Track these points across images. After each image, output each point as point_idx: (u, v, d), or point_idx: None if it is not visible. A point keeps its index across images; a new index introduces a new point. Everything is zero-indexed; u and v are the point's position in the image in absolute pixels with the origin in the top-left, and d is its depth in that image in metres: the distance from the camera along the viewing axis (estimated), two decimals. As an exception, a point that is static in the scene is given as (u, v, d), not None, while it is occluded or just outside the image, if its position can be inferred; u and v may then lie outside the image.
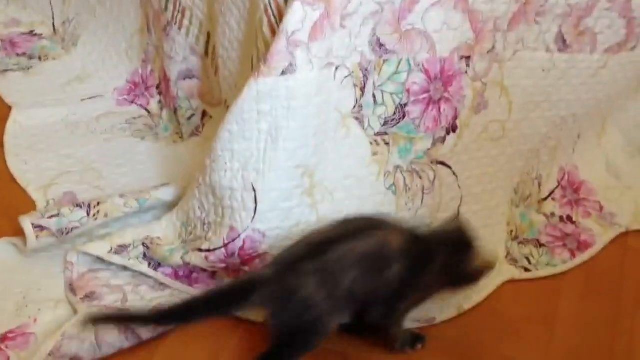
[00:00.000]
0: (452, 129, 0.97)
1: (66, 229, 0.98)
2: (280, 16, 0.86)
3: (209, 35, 1.11)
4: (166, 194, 1.05)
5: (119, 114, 1.28)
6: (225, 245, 0.89)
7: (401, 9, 0.88)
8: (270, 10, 0.87)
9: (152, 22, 1.25)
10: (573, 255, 1.07)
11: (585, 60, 1.02)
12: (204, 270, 0.95)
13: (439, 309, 0.95)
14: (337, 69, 0.87)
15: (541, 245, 1.08)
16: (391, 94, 0.92)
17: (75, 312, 0.92)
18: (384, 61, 0.90)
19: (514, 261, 1.05)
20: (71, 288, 0.95)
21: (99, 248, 0.97)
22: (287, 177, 0.88)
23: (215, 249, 0.90)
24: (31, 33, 1.46)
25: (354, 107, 0.91)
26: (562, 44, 1.00)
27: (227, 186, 0.88)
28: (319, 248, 0.81)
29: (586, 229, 1.11)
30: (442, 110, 0.95)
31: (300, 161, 0.88)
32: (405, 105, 0.93)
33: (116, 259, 0.96)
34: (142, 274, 0.97)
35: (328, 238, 0.83)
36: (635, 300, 1.01)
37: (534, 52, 0.99)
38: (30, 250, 0.98)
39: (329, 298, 0.80)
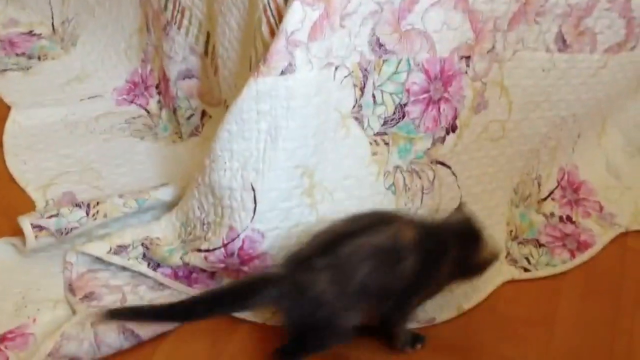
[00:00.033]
0: (452, 129, 0.97)
1: (65, 229, 0.98)
2: (279, 16, 0.86)
3: (208, 35, 1.11)
4: (165, 194, 1.05)
5: (118, 113, 1.28)
6: (225, 245, 0.89)
7: (401, 9, 0.88)
8: (269, 10, 0.87)
9: (152, 21, 1.25)
10: (573, 255, 1.07)
11: (585, 60, 1.02)
12: (203, 270, 0.95)
13: (439, 309, 0.95)
14: (336, 68, 0.87)
15: (541, 245, 1.08)
16: (391, 93, 0.92)
17: (74, 312, 0.92)
18: (384, 61, 0.90)
19: (513, 261, 1.05)
20: (70, 288, 0.95)
21: (98, 248, 0.97)
22: (287, 177, 0.87)
23: (214, 249, 0.90)
24: (30, 33, 1.46)
25: (354, 107, 0.91)
26: (562, 43, 1.00)
27: (226, 186, 0.88)
28: (330, 244, 0.82)
29: (586, 229, 1.11)
30: (441, 110, 0.95)
31: (300, 161, 0.88)
32: (405, 105, 0.93)
33: (115, 259, 0.96)
34: (141, 274, 0.97)
35: (338, 234, 0.83)
36: (634, 301, 1.01)
37: (533, 52, 0.99)
38: (29, 250, 0.98)
39: (342, 294, 0.80)
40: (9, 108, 1.27)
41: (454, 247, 0.85)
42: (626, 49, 1.03)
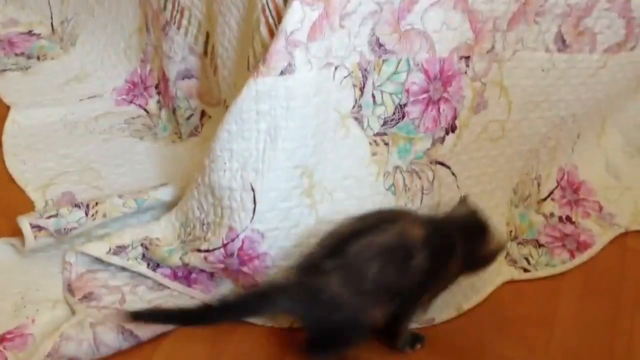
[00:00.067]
0: (452, 129, 0.97)
1: (64, 229, 0.98)
2: (278, 16, 0.86)
3: (207, 35, 1.11)
4: (165, 194, 1.04)
5: (117, 113, 1.28)
6: (224, 246, 0.89)
7: (400, 9, 0.88)
8: (267, 10, 0.87)
9: (151, 21, 1.25)
10: (572, 255, 1.07)
11: (584, 60, 1.02)
12: (202, 270, 0.95)
13: (439, 309, 0.94)
14: (336, 69, 0.87)
15: (540, 245, 1.08)
16: (390, 94, 0.92)
17: (73, 312, 0.92)
18: (383, 61, 0.90)
19: (513, 262, 1.05)
20: (69, 288, 0.95)
21: (98, 248, 0.96)
22: (286, 177, 0.87)
23: (214, 249, 0.89)
24: (29, 33, 1.46)
25: (353, 107, 0.90)
26: (562, 43, 1.00)
27: (226, 186, 0.88)
28: (337, 246, 0.82)
29: (585, 229, 1.11)
30: (441, 110, 0.95)
31: (299, 161, 0.88)
32: (405, 105, 0.93)
33: (115, 260, 0.96)
34: (140, 274, 0.97)
35: (345, 235, 0.83)
36: (634, 301, 1.01)
37: (533, 52, 0.99)
38: (28, 251, 0.98)
39: (356, 294, 0.80)
40: (8, 108, 1.27)
41: (461, 241, 0.85)
42: (626, 49, 1.03)
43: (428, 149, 0.97)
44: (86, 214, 1.00)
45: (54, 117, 1.26)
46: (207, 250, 0.90)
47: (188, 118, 1.20)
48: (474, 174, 1.01)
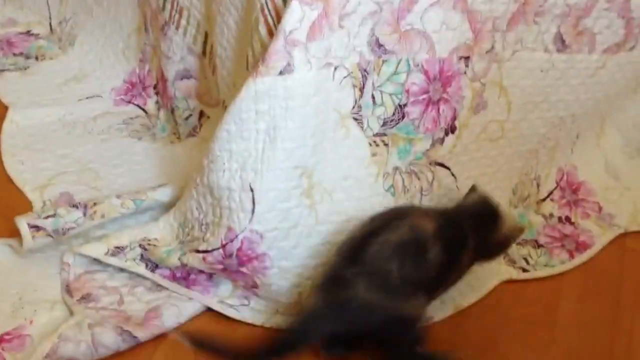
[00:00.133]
0: (451, 129, 0.97)
1: (62, 229, 0.98)
2: (277, 16, 0.86)
3: (206, 35, 1.11)
4: (163, 194, 1.04)
5: (116, 114, 1.28)
6: (223, 246, 0.88)
7: (400, 9, 0.88)
8: (266, 10, 0.87)
9: (150, 21, 1.25)
10: (571, 256, 1.07)
11: (583, 60, 1.02)
12: (201, 271, 0.95)
13: (437, 308, 0.94)
14: (335, 69, 0.87)
15: (539, 245, 1.08)
16: (390, 94, 0.92)
17: (71, 313, 0.92)
18: (383, 61, 0.90)
19: (512, 262, 1.05)
20: (67, 289, 0.94)
21: (96, 249, 0.96)
22: (285, 178, 0.87)
23: (212, 250, 0.89)
24: (28, 33, 1.46)
25: (353, 107, 0.90)
26: (561, 44, 1.00)
27: (225, 186, 0.87)
28: (353, 253, 0.82)
29: (585, 229, 1.11)
30: (441, 111, 0.95)
31: (299, 161, 0.87)
32: (405, 105, 0.93)
33: (113, 261, 0.96)
34: (139, 275, 0.96)
35: (358, 240, 0.83)
36: (634, 301, 1.01)
37: (532, 52, 0.99)
38: (26, 251, 0.98)
39: (385, 294, 0.80)
40: (6, 108, 1.27)
41: (472, 231, 0.86)
42: (625, 49, 1.03)
43: (427, 150, 0.96)
44: (84, 215, 1.00)
45: (53, 117, 1.26)
46: (205, 251, 0.90)
47: (186, 118, 1.20)
48: (473, 174, 1.01)
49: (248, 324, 0.94)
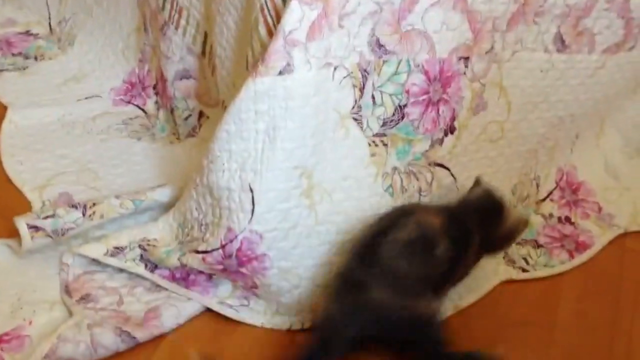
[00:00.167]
0: (450, 130, 0.97)
1: (61, 229, 0.98)
2: (276, 16, 0.86)
3: (205, 35, 1.11)
4: (162, 195, 1.04)
5: (115, 114, 1.28)
6: (223, 247, 0.88)
7: (401, 9, 0.88)
8: (266, 10, 0.87)
9: (149, 21, 1.25)
10: (571, 256, 1.07)
11: (583, 60, 1.02)
12: (201, 272, 0.95)
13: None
14: (335, 69, 0.87)
15: (539, 246, 1.08)
16: (390, 94, 0.92)
17: (70, 314, 0.92)
18: (384, 62, 0.90)
19: (511, 262, 1.05)
20: (66, 290, 0.94)
21: (95, 250, 0.96)
22: (285, 178, 0.87)
23: (212, 251, 0.89)
24: (27, 33, 1.46)
25: (353, 107, 0.90)
26: (561, 44, 1.00)
27: (224, 187, 0.87)
28: (363, 255, 0.82)
29: (585, 230, 1.11)
30: (440, 111, 0.95)
31: (299, 162, 0.87)
32: (405, 106, 0.93)
33: (112, 261, 0.96)
34: (138, 275, 0.96)
35: (367, 241, 0.83)
36: (633, 302, 1.01)
37: (532, 53, 0.99)
38: (25, 251, 0.97)
39: (399, 292, 0.80)
40: (5, 108, 1.27)
41: (476, 227, 0.86)
42: (624, 50, 1.03)
43: (426, 151, 0.96)
44: (83, 215, 0.99)
45: (52, 117, 1.26)
46: (205, 252, 0.90)
47: (186, 119, 1.20)
48: (473, 175, 1.01)
49: (247, 325, 0.94)
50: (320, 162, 0.89)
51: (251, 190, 0.86)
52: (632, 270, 1.06)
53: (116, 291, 0.95)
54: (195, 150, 1.15)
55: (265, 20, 0.87)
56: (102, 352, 0.87)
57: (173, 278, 0.96)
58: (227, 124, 0.86)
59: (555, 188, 1.14)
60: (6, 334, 0.89)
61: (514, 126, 1.03)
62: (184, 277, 0.96)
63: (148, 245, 0.96)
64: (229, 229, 0.88)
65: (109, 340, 0.87)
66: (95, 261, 0.96)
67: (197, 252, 0.91)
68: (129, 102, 1.30)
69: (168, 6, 1.14)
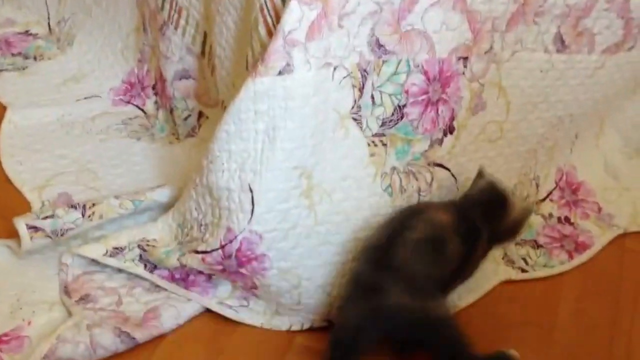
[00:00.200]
0: (449, 130, 0.97)
1: (61, 230, 0.98)
2: (276, 16, 0.86)
3: (205, 35, 1.11)
4: (162, 195, 1.04)
5: (114, 114, 1.28)
6: (222, 247, 0.88)
7: (400, 9, 0.88)
8: (265, 10, 0.87)
9: (148, 21, 1.24)
10: (571, 256, 1.07)
11: (583, 60, 1.02)
12: (200, 272, 0.95)
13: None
14: (335, 69, 0.86)
15: (539, 246, 1.08)
16: (390, 95, 0.92)
17: (69, 314, 0.92)
18: (383, 62, 0.90)
19: (510, 262, 1.05)
20: (66, 290, 0.94)
21: (94, 250, 0.96)
22: (285, 178, 0.87)
23: (212, 251, 0.89)
24: (26, 33, 1.45)
25: (353, 107, 0.90)
26: (561, 44, 1.00)
27: (224, 187, 0.87)
28: (377, 257, 0.82)
29: (584, 230, 1.11)
30: (439, 111, 0.95)
31: (298, 162, 0.87)
32: (404, 106, 0.92)
33: (112, 262, 0.96)
34: (137, 276, 0.96)
35: (379, 244, 0.84)
36: (633, 302, 1.01)
37: (532, 53, 0.99)
38: (24, 252, 0.97)
39: (415, 293, 0.80)
40: (4, 108, 1.27)
41: (483, 222, 0.86)
42: (624, 50, 1.03)
43: (426, 151, 0.96)
44: (83, 215, 0.99)
45: (51, 117, 1.26)
46: (204, 252, 0.90)
47: (185, 119, 1.20)
48: (472, 175, 1.01)
49: (247, 325, 0.94)
50: (319, 162, 0.89)
51: (251, 191, 0.86)
52: (631, 270, 1.06)
53: (115, 291, 0.95)
54: (194, 151, 1.15)
55: (265, 20, 0.87)
56: (102, 352, 0.87)
57: (172, 278, 0.96)
58: (227, 124, 0.86)
59: (554, 188, 1.14)
60: (5, 335, 0.89)
61: (513, 126, 1.03)
62: (183, 277, 0.96)
63: (147, 245, 0.96)
64: (229, 229, 0.87)
65: (108, 341, 0.87)
66: (94, 261, 0.96)
67: (197, 252, 0.90)
68: (128, 102, 1.30)
69: (167, 6, 1.14)
